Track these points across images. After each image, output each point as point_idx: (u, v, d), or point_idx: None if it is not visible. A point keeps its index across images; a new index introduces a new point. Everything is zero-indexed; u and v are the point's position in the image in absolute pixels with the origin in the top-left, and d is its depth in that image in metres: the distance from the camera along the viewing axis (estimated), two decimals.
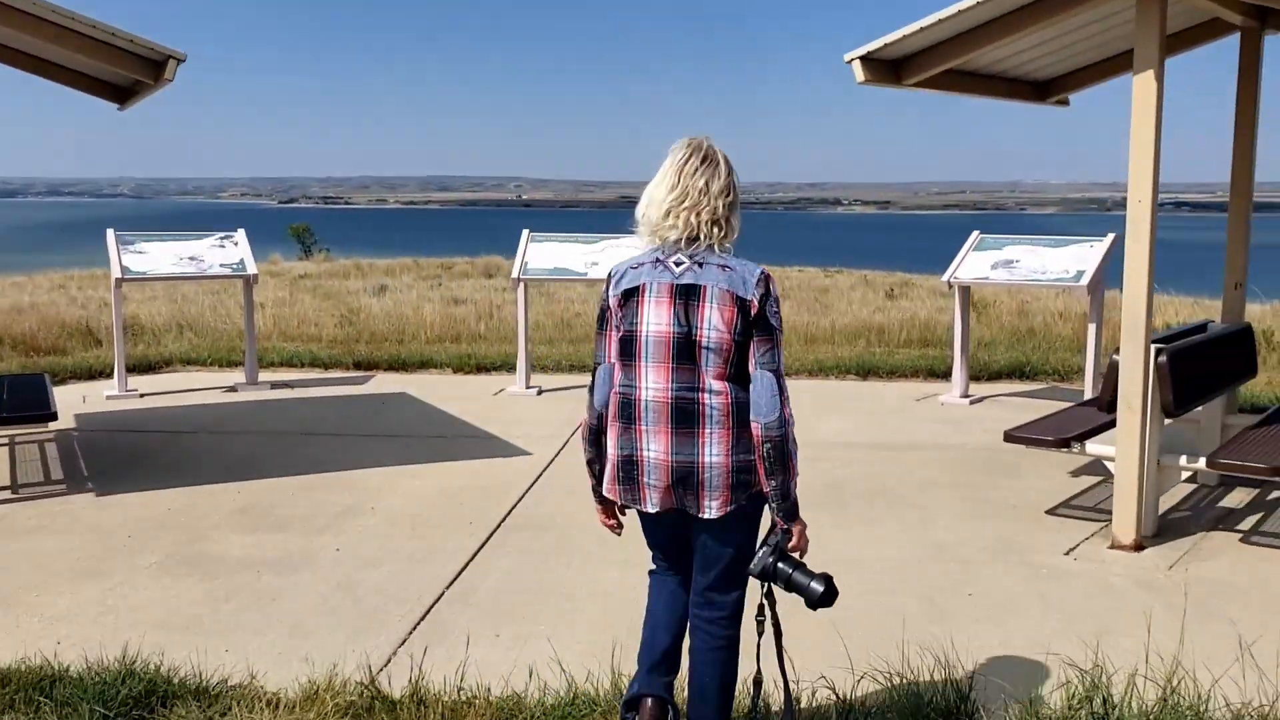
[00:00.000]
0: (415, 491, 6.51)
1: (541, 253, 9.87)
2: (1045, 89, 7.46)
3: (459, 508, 6.18)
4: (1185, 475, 5.47)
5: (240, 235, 10.30)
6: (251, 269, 9.90)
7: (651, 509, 3.01)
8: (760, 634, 2.99)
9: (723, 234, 2.95)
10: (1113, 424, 5.99)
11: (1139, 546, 5.35)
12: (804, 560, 2.95)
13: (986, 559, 5.28)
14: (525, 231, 10.06)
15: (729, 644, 3.10)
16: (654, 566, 3.28)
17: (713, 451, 2.90)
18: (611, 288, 3.02)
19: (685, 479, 2.93)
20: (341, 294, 18.29)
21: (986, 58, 6.55)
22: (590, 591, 4.90)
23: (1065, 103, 7.69)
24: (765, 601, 2.99)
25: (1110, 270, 9.20)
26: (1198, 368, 5.68)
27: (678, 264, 2.93)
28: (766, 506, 2.98)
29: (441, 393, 9.72)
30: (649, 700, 3.11)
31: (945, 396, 9.44)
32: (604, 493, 3.13)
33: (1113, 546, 5.38)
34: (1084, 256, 8.99)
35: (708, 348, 2.88)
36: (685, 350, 2.90)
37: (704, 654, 3.09)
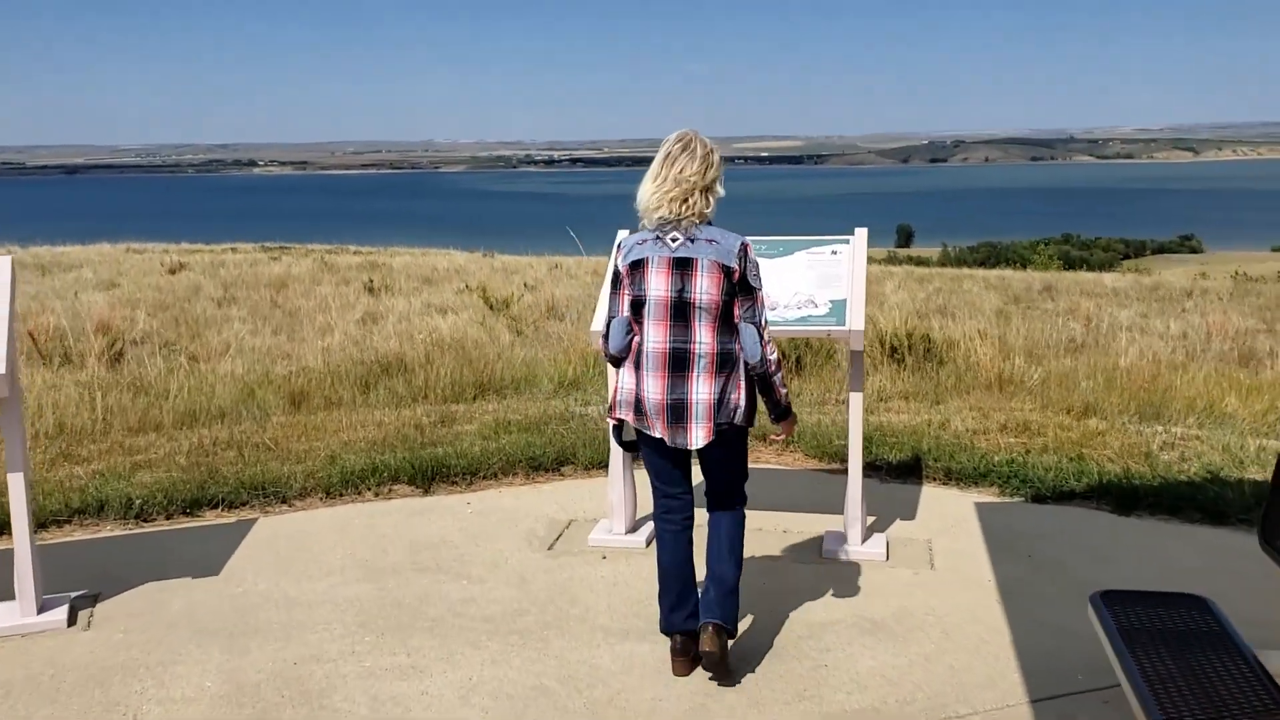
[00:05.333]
0: None
1: None
2: None
3: None
4: None
5: None
6: None
7: (656, 435, 3.69)
8: None
9: (703, 209, 3.64)
10: None
11: None
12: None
13: None
14: None
15: (739, 524, 3.85)
16: (657, 506, 3.88)
17: (700, 390, 3.62)
18: (621, 258, 3.70)
19: (679, 413, 3.64)
20: None
21: None
22: None
23: None
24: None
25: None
26: None
27: (673, 240, 3.62)
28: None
29: None
30: (677, 636, 3.79)
31: (608, 530, 5.20)
32: (615, 416, 3.76)
33: None
34: (833, 275, 5.06)
35: (700, 307, 3.60)
36: (680, 309, 3.61)
37: (723, 532, 3.81)
